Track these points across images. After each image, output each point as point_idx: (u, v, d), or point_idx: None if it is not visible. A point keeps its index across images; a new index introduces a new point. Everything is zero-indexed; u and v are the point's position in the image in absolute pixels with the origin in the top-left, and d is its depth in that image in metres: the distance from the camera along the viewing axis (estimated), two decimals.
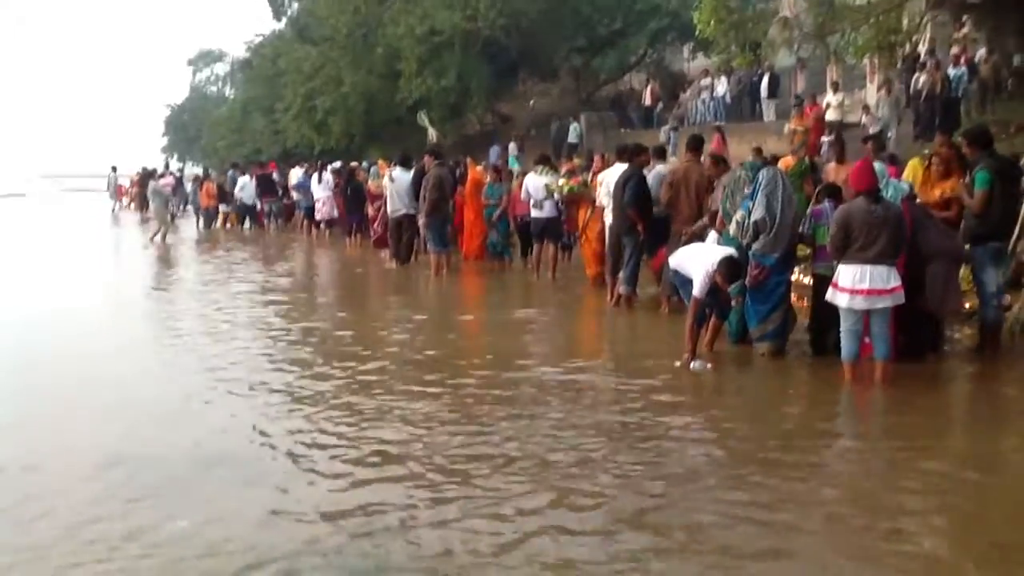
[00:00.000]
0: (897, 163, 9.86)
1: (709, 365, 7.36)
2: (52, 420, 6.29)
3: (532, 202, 12.56)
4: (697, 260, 7.46)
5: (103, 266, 17.52)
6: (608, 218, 10.29)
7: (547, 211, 12.42)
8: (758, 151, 13.04)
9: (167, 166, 37.85)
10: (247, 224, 23.82)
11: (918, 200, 8.12)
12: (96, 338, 9.24)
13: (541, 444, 5.49)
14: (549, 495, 4.69)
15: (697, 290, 7.30)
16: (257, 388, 6.96)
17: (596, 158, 12.73)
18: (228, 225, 24.47)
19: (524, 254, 13.96)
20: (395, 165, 14.48)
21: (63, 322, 10.19)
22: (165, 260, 17.73)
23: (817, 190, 8.45)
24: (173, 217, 23.39)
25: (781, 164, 9.94)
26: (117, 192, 35.46)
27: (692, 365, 7.29)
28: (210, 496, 4.80)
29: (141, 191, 33.60)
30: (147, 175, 25.72)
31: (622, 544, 4.15)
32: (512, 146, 25.93)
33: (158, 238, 19.92)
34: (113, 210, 33.63)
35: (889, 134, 16.46)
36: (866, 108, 18.77)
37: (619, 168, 10.20)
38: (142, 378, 7.48)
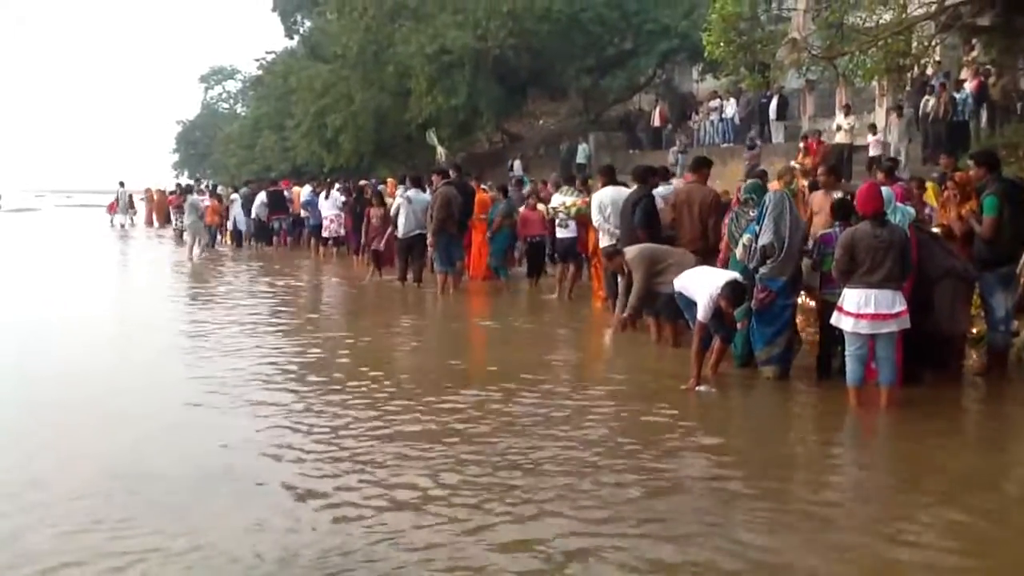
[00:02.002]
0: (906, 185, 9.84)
1: (713, 389, 7.31)
2: (53, 434, 6.28)
3: (557, 222, 12.63)
4: (701, 283, 7.43)
5: (112, 281, 17.68)
6: (603, 239, 10.28)
7: (571, 231, 12.47)
8: (762, 174, 13.00)
9: (198, 182, 37.90)
10: (250, 242, 23.88)
11: (935, 224, 8.09)
12: (102, 353, 9.31)
13: (537, 466, 5.45)
14: (541, 510, 4.66)
15: (701, 314, 7.27)
16: (258, 405, 6.94)
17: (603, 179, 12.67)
18: (228, 243, 24.55)
19: (530, 275, 13.93)
20: (410, 185, 14.48)
21: (72, 336, 10.25)
22: (175, 275, 17.83)
23: (834, 205, 8.43)
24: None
25: (769, 188, 9.89)
26: (111, 208, 35.64)
27: (697, 389, 7.25)
28: (208, 513, 4.78)
29: (161, 206, 33.90)
30: (187, 190, 25.88)
31: (620, 562, 4.11)
32: (517, 165, 26.02)
33: (196, 251, 20.24)
34: (121, 225, 33.70)
35: (900, 158, 16.44)
36: (872, 128, 18.74)
37: (609, 190, 10.34)
38: (144, 393, 7.49)
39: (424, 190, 14.32)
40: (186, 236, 21.12)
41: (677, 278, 7.93)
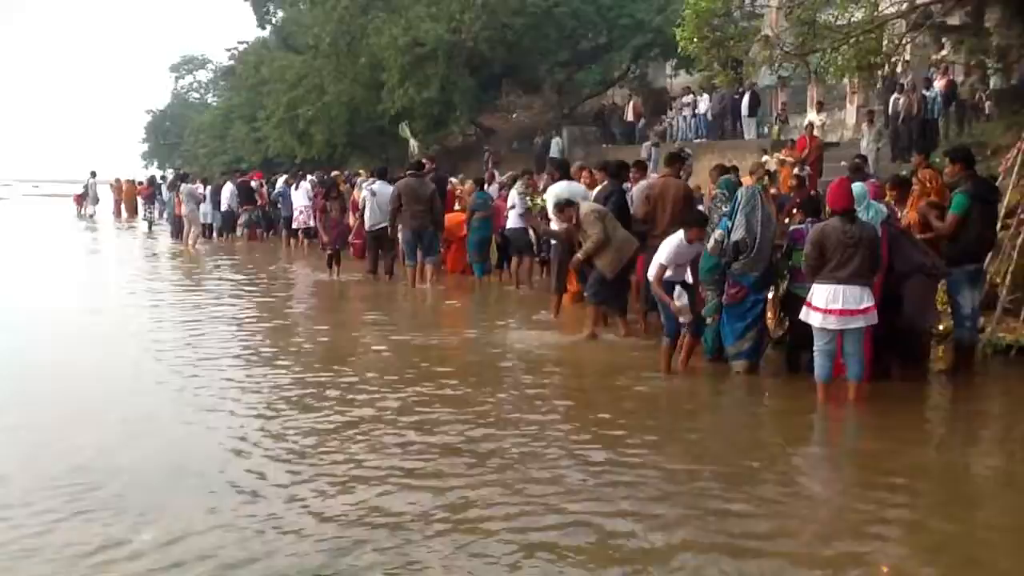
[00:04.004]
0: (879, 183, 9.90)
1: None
2: (21, 430, 6.20)
3: (509, 214, 12.69)
4: (660, 250, 7.57)
5: (85, 273, 17.52)
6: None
7: (514, 222, 12.54)
8: (732, 169, 13.05)
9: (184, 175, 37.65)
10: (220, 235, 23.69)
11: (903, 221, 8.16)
12: (71, 346, 9.19)
13: (508, 459, 5.45)
14: (512, 503, 4.66)
15: (650, 271, 7.47)
16: (226, 401, 6.89)
17: (584, 172, 12.57)
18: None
19: (499, 266, 13.88)
20: (375, 179, 14.41)
21: (41, 329, 10.14)
22: (153, 265, 17.69)
23: (799, 203, 8.52)
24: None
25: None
26: (77, 198, 35.33)
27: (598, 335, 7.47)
28: (176, 508, 4.73)
29: (130, 197, 33.50)
30: (181, 177, 25.67)
31: (581, 557, 4.10)
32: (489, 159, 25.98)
33: (192, 241, 20.82)
34: (90, 215, 33.29)
35: (868, 167, 16.54)
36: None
37: (563, 184, 10.39)
38: (112, 387, 7.41)
39: (392, 183, 14.28)
40: (185, 224, 21.51)
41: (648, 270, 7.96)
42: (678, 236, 7.54)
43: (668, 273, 7.58)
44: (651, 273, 7.54)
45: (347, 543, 4.27)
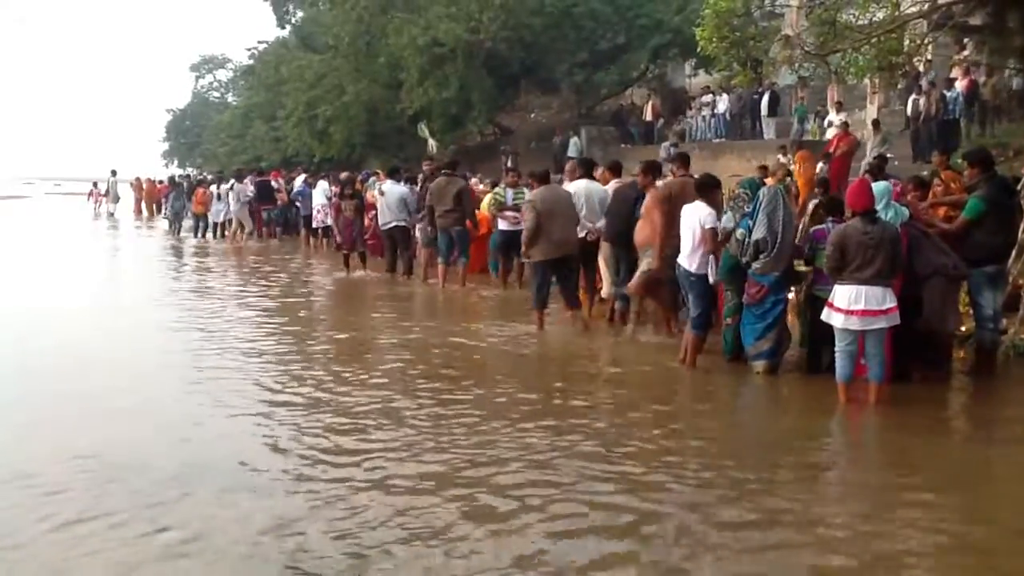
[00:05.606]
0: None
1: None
2: (48, 427, 6.24)
3: (498, 215, 12.85)
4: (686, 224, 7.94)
5: (114, 271, 17.72)
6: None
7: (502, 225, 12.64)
8: (763, 168, 13.04)
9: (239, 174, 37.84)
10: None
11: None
12: (98, 346, 9.22)
13: (524, 456, 5.47)
14: (533, 509, 4.67)
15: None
16: (247, 399, 6.93)
17: (598, 172, 12.49)
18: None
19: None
20: (385, 177, 14.48)
21: (68, 327, 10.20)
22: (172, 262, 17.79)
23: (817, 203, 8.51)
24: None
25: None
26: (93, 196, 35.74)
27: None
28: (198, 506, 4.76)
29: (152, 196, 33.76)
30: (237, 176, 25.87)
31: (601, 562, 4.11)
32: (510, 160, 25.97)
33: (239, 237, 21.57)
34: (110, 213, 33.47)
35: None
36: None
37: (583, 183, 10.31)
38: (137, 387, 7.42)
39: (407, 182, 14.35)
40: (234, 221, 22.16)
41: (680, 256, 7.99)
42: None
43: (693, 268, 7.80)
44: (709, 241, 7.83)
45: (367, 545, 4.29)
